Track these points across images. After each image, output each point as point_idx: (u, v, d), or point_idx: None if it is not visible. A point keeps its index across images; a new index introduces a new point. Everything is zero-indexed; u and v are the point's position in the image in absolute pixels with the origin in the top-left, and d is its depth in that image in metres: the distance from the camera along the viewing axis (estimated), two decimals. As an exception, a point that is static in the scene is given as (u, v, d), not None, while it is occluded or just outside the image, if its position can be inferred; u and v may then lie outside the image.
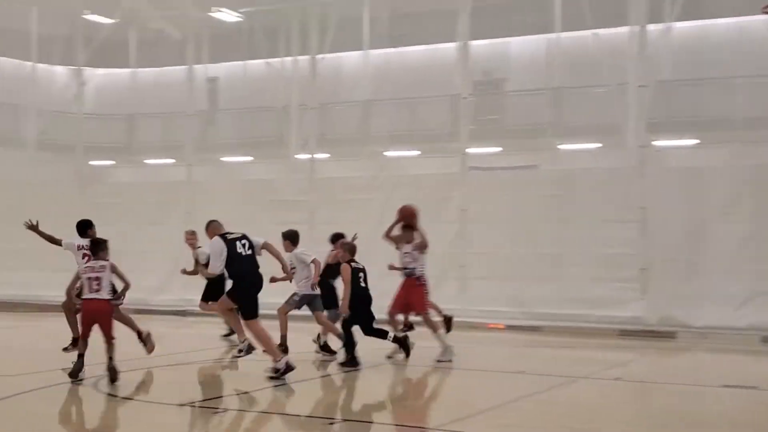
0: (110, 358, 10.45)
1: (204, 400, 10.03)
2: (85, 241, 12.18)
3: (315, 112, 20.02)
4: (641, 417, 9.46)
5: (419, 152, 25.34)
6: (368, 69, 23.95)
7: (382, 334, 12.38)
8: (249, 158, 27.11)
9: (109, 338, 10.49)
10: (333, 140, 24.62)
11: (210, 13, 26.09)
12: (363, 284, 12.30)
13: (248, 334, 11.40)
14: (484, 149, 22.21)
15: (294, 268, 12.84)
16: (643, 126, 17.93)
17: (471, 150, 19.56)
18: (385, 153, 23.52)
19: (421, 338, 13.06)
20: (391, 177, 19.59)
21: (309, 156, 21.03)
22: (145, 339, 11.82)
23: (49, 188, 22.89)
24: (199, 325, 18.19)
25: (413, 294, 12.87)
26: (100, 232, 19.88)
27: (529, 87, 24.65)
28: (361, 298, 12.22)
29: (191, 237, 14.72)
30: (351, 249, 12.58)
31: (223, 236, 11.26)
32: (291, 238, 13.05)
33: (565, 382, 11.37)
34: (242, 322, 11.48)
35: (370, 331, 12.28)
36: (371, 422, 8.83)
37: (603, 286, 17.18)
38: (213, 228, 11.76)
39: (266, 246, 11.58)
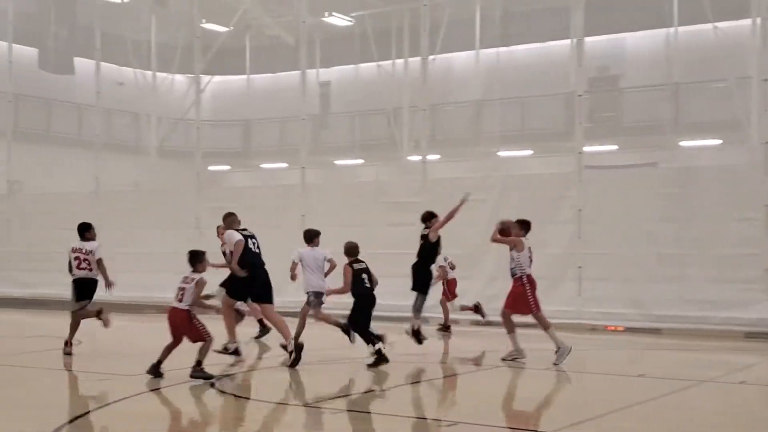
0: (198, 362, 10.68)
1: (321, 401, 10.13)
2: (81, 244, 12.96)
3: (426, 114, 19.97)
4: (767, 422, 9.11)
5: (532, 152, 25.07)
6: (479, 69, 23.87)
7: (368, 339, 12.10)
8: (360, 161, 27.34)
9: (197, 341, 10.73)
10: (444, 141, 24.59)
11: (323, 18, 26.45)
12: (367, 284, 12.15)
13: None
14: (600, 147, 21.80)
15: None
16: (768, 121, 17.23)
17: (587, 148, 19.18)
18: (498, 153, 23.34)
19: (534, 341, 12.89)
20: (504, 177, 19.39)
21: (420, 157, 21.07)
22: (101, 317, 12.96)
23: (170, 193, 23.51)
24: (316, 326, 18.41)
25: (514, 295, 12.71)
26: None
27: (646, 83, 24.10)
28: (363, 297, 12.16)
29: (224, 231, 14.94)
30: (349, 250, 12.34)
31: (237, 230, 12.24)
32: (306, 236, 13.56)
33: (687, 385, 11.04)
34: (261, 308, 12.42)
35: (362, 331, 12.15)
36: (488, 425, 8.76)
37: (726, 286, 16.58)
38: (230, 221, 12.62)
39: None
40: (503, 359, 12.75)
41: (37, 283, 22.50)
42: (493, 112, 24.42)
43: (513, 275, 12.67)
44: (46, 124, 28.22)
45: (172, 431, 8.85)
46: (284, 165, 27.07)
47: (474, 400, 10.68)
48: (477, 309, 15.73)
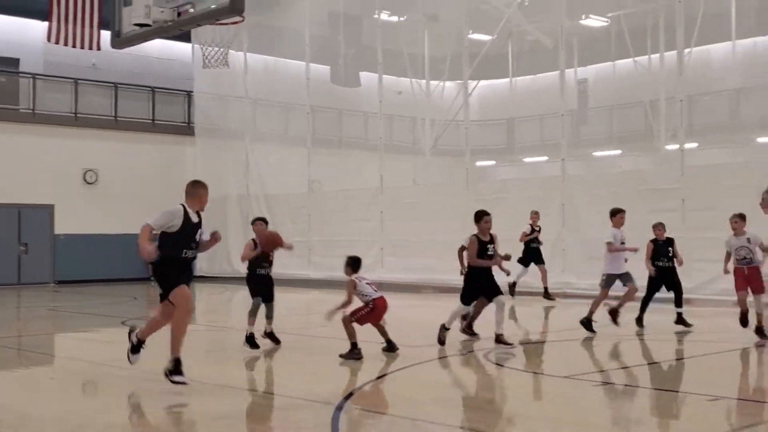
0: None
1: (584, 374, 9.93)
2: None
3: (683, 104, 18.92)
4: None
5: (793, 137, 23.11)
6: (736, 58, 22.27)
7: None
8: (618, 152, 26.47)
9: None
10: (702, 129, 23.26)
11: (580, 21, 25.86)
12: None
13: None
14: None
15: None
16: None
17: None
18: (757, 139, 21.71)
19: None
20: (763, 162, 17.95)
21: (678, 146, 20.02)
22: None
23: (443, 188, 23.97)
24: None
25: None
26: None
27: None
28: None
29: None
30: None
31: None
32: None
33: None
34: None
35: None
36: (758, 401, 8.18)
37: None
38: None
39: None
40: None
41: (333, 266, 23.72)
42: (752, 99, 22.73)
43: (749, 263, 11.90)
44: (338, 130, 29.66)
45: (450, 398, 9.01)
46: (545, 158, 26.79)
47: (738, 377, 10.03)
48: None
